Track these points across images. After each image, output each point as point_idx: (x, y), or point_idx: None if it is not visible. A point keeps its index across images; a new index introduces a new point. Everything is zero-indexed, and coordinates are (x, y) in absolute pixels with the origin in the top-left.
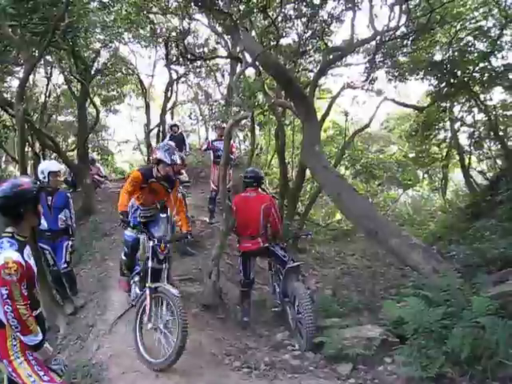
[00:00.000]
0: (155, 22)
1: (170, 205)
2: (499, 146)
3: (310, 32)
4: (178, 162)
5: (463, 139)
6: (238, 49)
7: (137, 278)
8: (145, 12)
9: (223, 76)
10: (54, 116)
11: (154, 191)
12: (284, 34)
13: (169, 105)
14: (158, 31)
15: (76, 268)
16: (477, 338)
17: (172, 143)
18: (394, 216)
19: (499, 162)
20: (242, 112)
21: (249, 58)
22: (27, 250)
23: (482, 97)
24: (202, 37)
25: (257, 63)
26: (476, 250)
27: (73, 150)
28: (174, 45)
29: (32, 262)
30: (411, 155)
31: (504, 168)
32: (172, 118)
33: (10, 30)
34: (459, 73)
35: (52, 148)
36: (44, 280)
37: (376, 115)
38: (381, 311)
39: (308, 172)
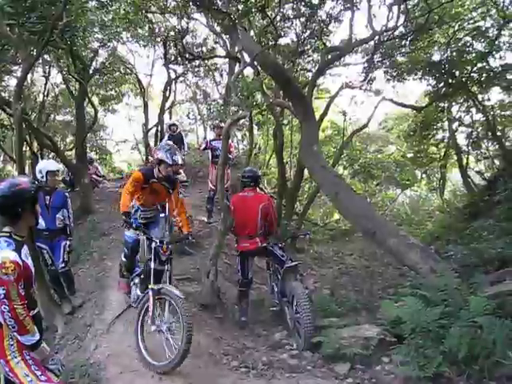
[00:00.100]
0: (154, 21)
1: (170, 205)
2: (497, 146)
3: (308, 32)
4: (180, 162)
5: (461, 139)
6: (236, 48)
7: (137, 280)
8: (143, 11)
9: (221, 75)
10: (52, 115)
11: (155, 192)
12: (282, 34)
13: (167, 104)
14: (157, 30)
15: (74, 267)
16: (474, 338)
17: (171, 143)
18: (392, 216)
19: (497, 162)
20: (241, 112)
21: (247, 58)
22: (25, 249)
23: (480, 97)
24: (200, 36)
25: (255, 63)
26: (473, 249)
27: (71, 150)
28: (172, 44)
29: (29, 261)
30: (409, 155)
31: (502, 168)
32: (170, 118)
33: (7, 28)
34: (457, 73)
35: (50, 147)
36: (42, 279)
37: (374, 115)
38: (379, 311)
39: (306, 172)
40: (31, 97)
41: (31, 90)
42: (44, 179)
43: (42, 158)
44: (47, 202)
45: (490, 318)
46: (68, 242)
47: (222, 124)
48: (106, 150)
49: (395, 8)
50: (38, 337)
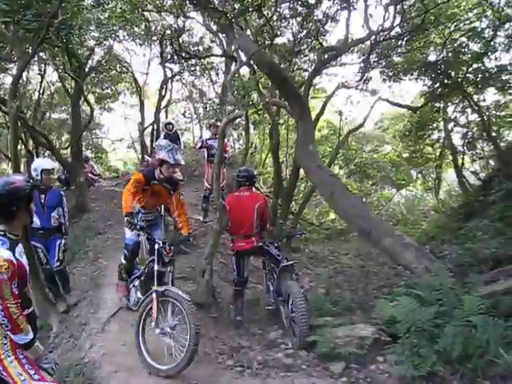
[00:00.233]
0: (150, 19)
1: (171, 207)
2: (492, 147)
3: (304, 31)
4: (182, 162)
5: (456, 139)
6: (232, 47)
7: (137, 282)
8: (140, 10)
9: (218, 74)
10: (47, 113)
11: (156, 194)
12: (279, 33)
13: (163, 103)
14: (153, 29)
15: (69, 266)
16: (468, 337)
17: (166, 141)
18: (388, 215)
19: (492, 162)
20: (237, 111)
21: (243, 57)
22: (19, 248)
23: (475, 97)
24: (196, 35)
25: (251, 62)
26: (468, 249)
27: (66, 148)
28: (168, 43)
29: (24, 260)
30: (405, 155)
31: (497, 168)
32: (166, 117)
33: (3, 26)
34: (453, 73)
35: (45, 146)
36: (37, 278)
37: (370, 115)
38: (373, 310)
39: (302, 171)
40: (27, 95)
41: (27, 88)
42: (39, 177)
43: (38, 157)
44: (42, 201)
45: (484, 317)
46: (63, 241)
47: (218, 123)
48: (102, 149)
49: (391, 8)
50: (31, 336)
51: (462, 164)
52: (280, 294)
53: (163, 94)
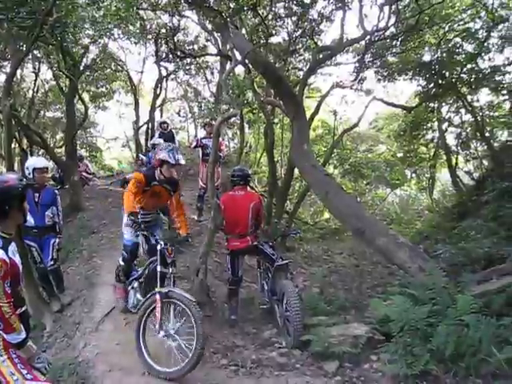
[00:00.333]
0: (145, 18)
1: (171, 208)
2: (485, 147)
3: (300, 31)
4: (182, 161)
5: (450, 139)
6: (227, 46)
7: (136, 284)
8: (134, 8)
9: (212, 74)
10: (41, 112)
11: (156, 195)
12: (274, 33)
13: (158, 102)
14: (148, 28)
15: (63, 265)
16: (461, 336)
17: (161, 140)
18: (382, 215)
19: (485, 162)
20: (231, 110)
21: (238, 56)
22: (12, 246)
23: (469, 98)
24: (192, 34)
25: (246, 61)
26: (461, 249)
27: (61, 147)
28: (163, 41)
29: (17, 259)
30: (399, 155)
31: (490, 168)
32: (161, 115)
33: None
34: (447, 74)
35: (40, 144)
36: (30, 277)
37: (365, 115)
38: (367, 309)
39: (296, 170)
40: (21, 93)
41: (21, 86)
42: (31, 176)
43: (32, 155)
44: (36, 200)
45: (477, 316)
46: (57, 240)
47: (213, 122)
48: (97, 148)
49: (386, 8)
50: (24, 335)
51: (456, 164)
52: (274, 293)
53: (158, 92)
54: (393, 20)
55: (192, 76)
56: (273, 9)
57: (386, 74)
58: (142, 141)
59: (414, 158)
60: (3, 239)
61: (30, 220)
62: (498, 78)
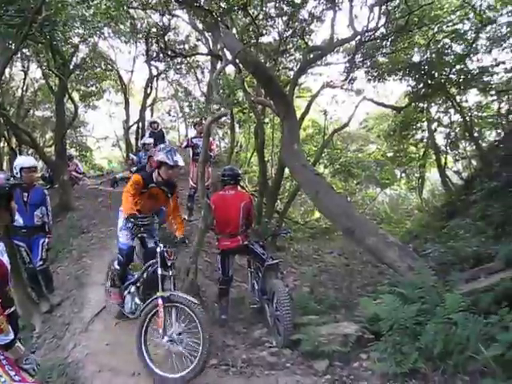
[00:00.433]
0: (135, 17)
1: (168, 210)
2: (474, 147)
3: (290, 31)
4: (181, 163)
5: (440, 139)
6: (218, 46)
7: (133, 289)
8: (125, 7)
9: (203, 73)
10: (31, 111)
11: (153, 197)
12: (265, 33)
13: (148, 101)
14: (139, 27)
15: (52, 265)
16: (449, 334)
17: (151, 140)
18: (372, 214)
19: (474, 162)
20: (222, 109)
21: (229, 56)
22: (0, 246)
23: (458, 98)
24: (182, 33)
25: (237, 61)
26: (450, 248)
27: (50, 146)
28: (154, 41)
29: (5, 259)
30: (389, 154)
31: (478, 168)
32: (152, 115)
33: None
34: (436, 74)
35: (29, 143)
36: (19, 277)
37: (355, 114)
38: (357, 308)
39: (287, 170)
40: (10, 92)
41: (10, 85)
42: (19, 175)
43: (21, 154)
44: (25, 199)
45: (465, 314)
46: (46, 240)
47: (204, 121)
48: (87, 147)
49: (376, 9)
50: (12, 336)
51: (445, 164)
52: (265, 292)
53: (149, 92)
54: (383, 21)
55: (183, 75)
56: (263, 9)
57: (376, 74)
58: (133, 140)
59: (403, 157)
60: None
61: (19, 220)
62: (486, 79)
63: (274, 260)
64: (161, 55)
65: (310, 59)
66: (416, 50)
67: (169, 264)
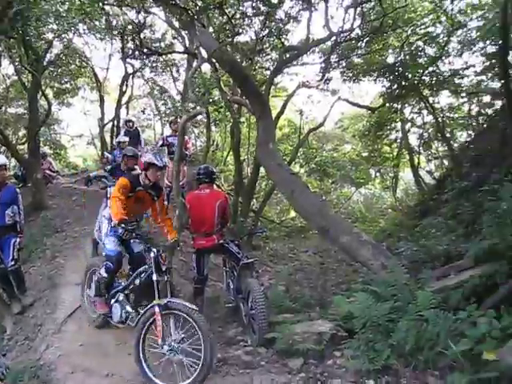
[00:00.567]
0: (111, 13)
1: (154, 214)
2: (446, 147)
3: (267, 30)
4: (170, 165)
5: (413, 140)
6: (194, 44)
7: (121, 297)
8: (100, 3)
9: (179, 71)
10: (3, 108)
11: (139, 201)
12: (241, 32)
13: (124, 99)
14: (114, 24)
15: (25, 265)
16: (420, 331)
17: (127, 138)
18: (347, 213)
19: (446, 162)
20: (198, 108)
21: (205, 54)
22: None
23: (430, 99)
24: (158, 31)
25: (213, 59)
26: (422, 246)
27: (23, 144)
28: (129, 38)
29: None
30: (364, 154)
31: (450, 168)
32: (127, 113)
33: None
34: (410, 76)
35: (1, 141)
36: None
37: (330, 114)
38: (331, 306)
39: (263, 169)
40: None
41: None
42: None
43: None
44: None
45: (435, 311)
46: (18, 239)
47: (179, 120)
48: (61, 145)
49: (351, 10)
50: None
51: (418, 163)
52: (240, 291)
53: (124, 89)
54: (358, 22)
55: (158, 73)
56: (240, 8)
57: (351, 74)
58: (108, 138)
59: (378, 157)
60: None
61: None
62: (457, 81)
63: (249, 259)
64: (136, 53)
65: (286, 59)
66: (390, 51)
67: (163, 269)
